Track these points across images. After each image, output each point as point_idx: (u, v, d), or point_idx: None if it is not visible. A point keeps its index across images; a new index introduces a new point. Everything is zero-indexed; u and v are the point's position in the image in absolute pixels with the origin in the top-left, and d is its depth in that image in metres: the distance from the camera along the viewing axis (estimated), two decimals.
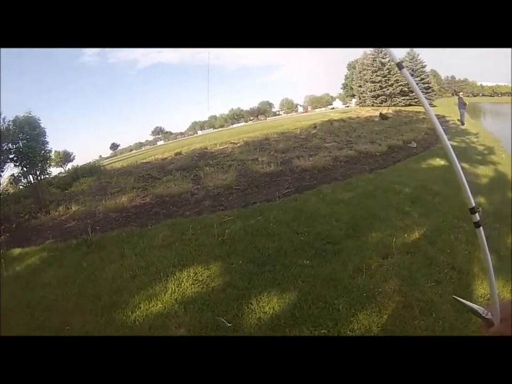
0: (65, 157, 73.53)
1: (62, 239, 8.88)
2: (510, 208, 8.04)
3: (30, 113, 13.61)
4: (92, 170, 21.63)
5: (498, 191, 9.66)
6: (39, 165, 13.40)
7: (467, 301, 1.78)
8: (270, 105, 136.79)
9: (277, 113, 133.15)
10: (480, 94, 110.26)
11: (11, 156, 12.81)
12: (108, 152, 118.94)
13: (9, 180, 14.58)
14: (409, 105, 56.69)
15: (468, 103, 28.97)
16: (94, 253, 7.45)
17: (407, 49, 67.47)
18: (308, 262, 5.87)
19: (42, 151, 13.62)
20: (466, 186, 1.69)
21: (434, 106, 54.61)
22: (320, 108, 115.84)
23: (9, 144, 12.80)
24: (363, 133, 21.78)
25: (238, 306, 4.93)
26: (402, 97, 60.55)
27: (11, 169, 13.47)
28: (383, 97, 64.25)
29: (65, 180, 19.39)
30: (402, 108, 47.43)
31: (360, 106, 68.57)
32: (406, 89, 60.47)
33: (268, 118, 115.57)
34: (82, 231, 9.05)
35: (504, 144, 17.74)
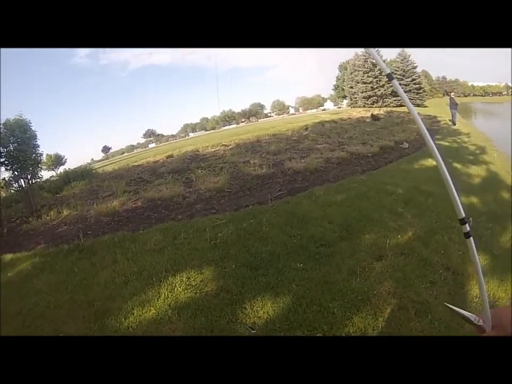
0: (57, 160, 73.53)
1: (53, 244, 8.79)
2: (503, 207, 8.06)
3: (21, 116, 13.45)
4: (83, 173, 21.49)
5: (490, 191, 9.71)
6: (30, 168, 13.25)
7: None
8: (262, 106, 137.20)
9: (269, 114, 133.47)
10: (471, 94, 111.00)
11: (2, 160, 12.62)
12: (100, 155, 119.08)
13: (0, 184, 14.45)
14: (401, 105, 56.68)
15: (459, 103, 29.11)
16: (86, 258, 7.39)
17: (398, 50, 67.89)
18: (301, 265, 5.85)
19: (34, 155, 13.46)
20: (456, 196, 1.69)
21: (426, 106, 54.93)
22: (311, 109, 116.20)
23: (0, 148, 12.65)
24: (355, 134, 21.84)
25: (232, 311, 4.89)
26: (394, 98, 60.74)
27: (2, 174, 13.35)
28: (374, 98, 64.52)
29: (56, 184, 19.26)
30: (393, 109, 47.59)
31: (351, 107, 68.79)
32: None
33: (259, 120, 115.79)
34: (74, 235, 8.97)
35: (495, 143, 17.85)
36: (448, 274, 5.43)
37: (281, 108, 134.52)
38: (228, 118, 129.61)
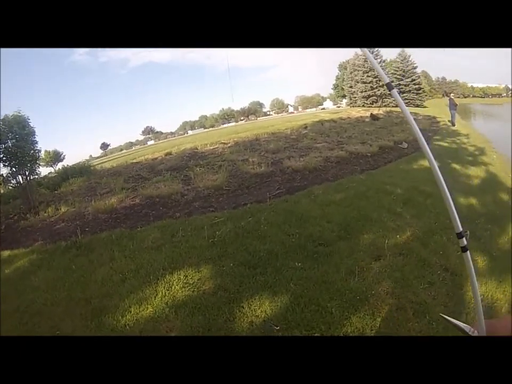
0: (56, 157, 73.47)
1: (51, 241, 8.77)
2: (502, 209, 8.05)
3: (19, 112, 13.41)
4: (81, 170, 21.45)
5: (490, 192, 9.70)
6: (28, 165, 13.22)
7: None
8: (261, 105, 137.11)
9: (268, 113, 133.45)
10: (471, 95, 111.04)
11: (0, 156, 12.65)
12: (98, 152, 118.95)
13: None
14: None
15: (458, 104, 29.12)
16: (83, 256, 7.37)
17: (398, 50, 67.93)
18: (299, 264, 5.83)
19: (32, 151, 13.45)
20: (454, 210, 1.70)
21: (425, 107, 54.95)
22: (310, 108, 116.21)
23: None
24: (354, 133, 21.83)
25: (230, 310, 4.88)
26: (393, 98, 60.73)
27: (0, 170, 13.29)
28: (374, 97, 64.61)
29: (54, 180, 19.23)
30: (393, 109, 47.47)
31: (351, 106, 68.86)
32: (397, 90, 60.96)
33: (258, 118, 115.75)
34: (72, 232, 8.95)
35: (495, 145, 17.85)
36: (447, 275, 5.42)
37: (280, 106, 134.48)
38: (227, 116, 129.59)
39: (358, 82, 67.53)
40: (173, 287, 5.57)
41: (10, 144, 12.71)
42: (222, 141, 25.52)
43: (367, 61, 64.08)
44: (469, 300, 4.86)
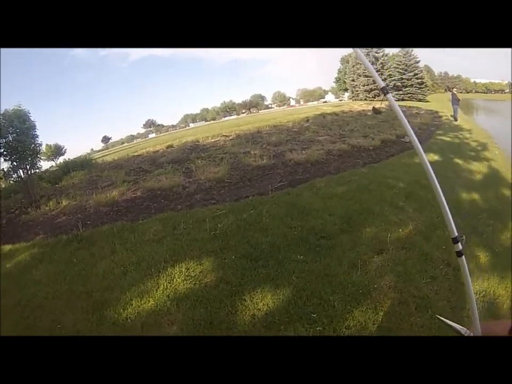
0: (57, 151, 73.35)
1: (52, 235, 8.78)
2: (504, 205, 8.03)
3: (19, 107, 13.39)
4: (82, 163, 21.45)
5: (492, 188, 9.68)
6: (29, 159, 13.23)
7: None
8: (262, 98, 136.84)
9: (269, 106, 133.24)
10: (473, 91, 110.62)
11: (0, 150, 12.62)
12: (100, 145, 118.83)
13: None
14: (402, 100, 56.92)
15: (461, 99, 29.03)
16: (85, 249, 7.36)
17: None
18: (301, 257, 5.83)
19: (32, 145, 13.44)
20: (449, 215, 1.70)
21: (428, 101, 54.83)
22: (312, 101, 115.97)
23: None
24: (356, 127, 21.75)
25: (231, 302, 4.88)
26: (396, 92, 60.62)
27: (1, 164, 13.34)
28: (376, 91, 64.29)
29: (55, 174, 19.23)
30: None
31: (353, 100, 68.71)
32: (399, 84, 60.71)
33: (260, 111, 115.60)
34: (73, 226, 8.95)
35: (497, 140, 17.80)
36: (449, 270, 5.40)
37: (282, 99, 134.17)
38: (228, 109, 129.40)
39: (360, 75, 67.33)
40: (174, 280, 5.57)
41: (11, 139, 12.72)
42: (224, 134, 25.44)
43: (369, 55, 64.06)
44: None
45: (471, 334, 1.69)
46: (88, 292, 5.68)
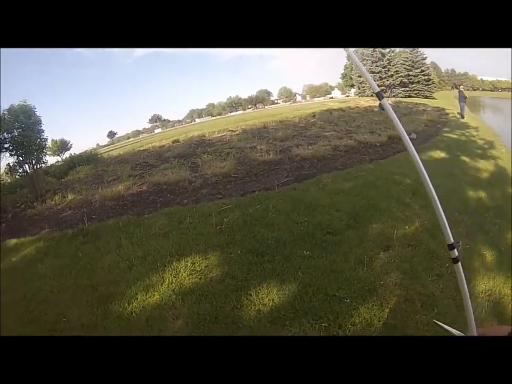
0: (63, 146, 73.52)
1: (58, 229, 8.81)
2: (510, 203, 7.98)
3: (25, 102, 13.48)
4: (88, 158, 21.50)
5: (498, 186, 9.61)
6: (35, 153, 13.33)
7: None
8: (268, 93, 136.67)
9: (275, 101, 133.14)
10: (480, 89, 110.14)
11: (6, 145, 12.74)
12: (105, 140, 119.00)
13: (5, 170, 14.48)
14: (409, 96, 56.74)
15: (468, 97, 28.91)
16: (90, 243, 7.38)
17: None
18: (308, 252, 5.81)
19: (38, 140, 13.53)
20: (445, 221, 1.72)
21: (434, 98, 54.65)
22: (318, 97, 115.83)
23: (4, 134, 12.69)
24: (362, 123, 21.68)
25: (237, 297, 4.88)
26: (402, 89, 60.48)
27: (6, 159, 13.44)
28: (382, 88, 64.08)
29: (61, 169, 19.30)
30: (402, 99, 47.36)
31: (359, 96, 68.51)
32: (405, 80, 60.52)
33: (266, 107, 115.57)
34: (78, 220, 8.98)
35: (503, 139, 17.72)
36: (455, 268, 5.37)
37: (288, 95, 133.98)
38: (235, 104, 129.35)
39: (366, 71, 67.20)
40: (180, 274, 5.58)
41: (16, 134, 12.80)
42: (230, 129, 25.43)
43: (375, 51, 63.87)
44: (477, 295, 4.86)
45: None
46: (94, 285, 5.70)
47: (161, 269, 5.77)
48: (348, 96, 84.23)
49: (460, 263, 1.77)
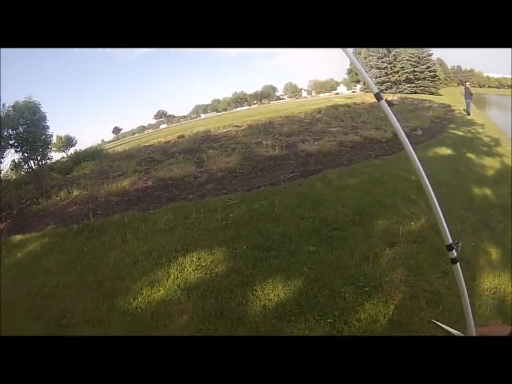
0: (68, 142, 73.68)
1: (63, 225, 8.84)
2: None
3: (30, 99, 13.58)
4: (93, 154, 21.61)
5: (504, 184, 9.56)
6: (40, 150, 13.42)
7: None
8: (274, 89, 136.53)
9: (281, 97, 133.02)
10: (487, 85, 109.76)
11: (11, 142, 12.82)
12: (111, 136, 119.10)
13: (10, 166, 14.57)
14: (415, 92, 56.56)
15: (474, 93, 28.80)
16: (96, 238, 7.42)
17: None
18: (313, 248, 5.82)
19: (43, 136, 13.63)
20: (443, 222, 1.72)
21: (440, 95, 54.49)
22: (324, 93, 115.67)
23: (10, 130, 12.77)
24: (368, 118, 21.58)
25: (242, 293, 4.89)
26: (408, 85, 60.32)
27: (11, 155, 13.53)
28: (388, 83, 63.98)
29: (66, 165, 19.39)
30: (407, 95, 47.22)
31: (365, 92, 68.38)
32: (411, 76, 60.35)
33: (271, 102, 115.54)
34: (84, 215, 9.01)
35: (509, 136, 17.64)
36: (460, 265, 5.34)
37: (293, 90, 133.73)
38: (240, 99, 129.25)
39: (372, 67, 66.89)
40: (185, 270, 5.59)
41: (21, 130, 12.89)
42: (235, 124, 25.39)
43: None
44: (482, 292, 4.84)
45: None
46: (99, 281, 5.73)
47: (167, 264, 5.78)
48: (354, 92, 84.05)
49: (458, 263, 1.76)
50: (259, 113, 36.40)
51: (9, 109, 13.00)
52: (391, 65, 63.44)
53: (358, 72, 1.92)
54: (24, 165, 13.61)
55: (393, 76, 63.08)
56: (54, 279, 6.04)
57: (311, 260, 5.50)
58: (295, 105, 44.86)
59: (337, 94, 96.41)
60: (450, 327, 4.00)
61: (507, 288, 4.95)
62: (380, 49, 63.88)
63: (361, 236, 6.12)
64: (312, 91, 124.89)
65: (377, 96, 1.86)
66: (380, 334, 4.02)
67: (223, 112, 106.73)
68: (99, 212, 9.22)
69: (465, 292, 1.80)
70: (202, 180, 10.61)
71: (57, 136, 62.62)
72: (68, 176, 16.40)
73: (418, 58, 62.83)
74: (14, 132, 12.78)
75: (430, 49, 63.50)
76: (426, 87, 60.58)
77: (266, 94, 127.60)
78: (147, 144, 26.07)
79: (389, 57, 63.37)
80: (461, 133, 17.98)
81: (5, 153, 13.17)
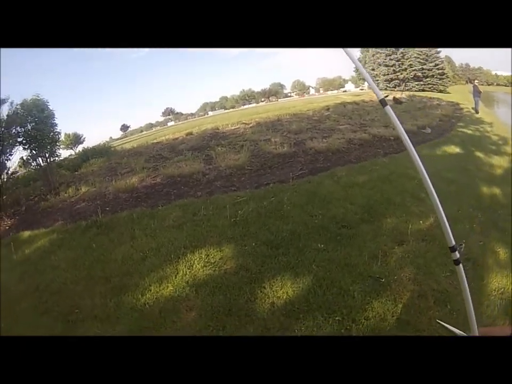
0: (76, 139, 73.97)
1: (71, 221, 8.89)
2: None
3: (38, 96, 13.70)
4: (101, 151, 21.70)
5: None
6: (48, 147, 13.52)
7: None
8: (282, 86, 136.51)
9: (289, 95, 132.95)
10: (495, 83, 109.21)
11: (20, 139, 12.93)
12: (119, 134, 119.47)
13: (19, 163, 14.68)
14: (423, 90, 56.39)
15: (482, 92, 28.67)
16: (104, 235, 7.44)
17: None
18: (322, 246, 5.81)
19: (51, 133, 13.70)
20: (446, 223, 1.71)
21: (448, 93, 54.29)
22: (332, 90, 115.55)
23: (18, 128, 12.88)
24: (377, 116, 21.50)
25: (251, 290, 4.89)
26: (416, 83, 60.15)
27: (20, 153, 13.65)
28: (396, 81, 63.82)
29: (75, 162, 19.52)
30: (416, 93, 47.08)
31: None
32: (419, 74, 60.15)
33: (279, 100, 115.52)
34: (92, 212, 9.03)
35: None
36: (468, 265, 5.31)
37: (301, 88, 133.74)
38: (248, 97, 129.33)
39: (380, 65, 66.76)
40: (194, 266, 5.60)
41: (29, 128, 12.98)
42: (244, 121, 25.35)
43: None
44: (490, 292, 4.82)
45: None
46: (107, 277, 5.75)
47: (175, 261, 5.79)
48: (362, 89, 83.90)
49: (461, 265, 1.77)
50: (267, 111, 36.35)
51: (17, 106, 13.12)
52: (399, 62, 63.35)
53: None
54: (33, 162, 13.70)
55: (401, 74, 62.97)
56: (62, 275, 6.07)
57: (319, 257, 5.49)
58: (303, 103, 44.85)
59: (345, 91, 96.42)
60: (458, 326, 3.99)
61: None
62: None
63: (369, 234, 6.11)
64: (320, 88, 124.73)
65: (382, 102, 1.87)
66: (387, 332, 4.01)
67: (231, 110, 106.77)
68: (107, 209, 9.25)
69: (468, 292, 1.80)
70: (210, 177, 10.60)
71: (65, 134, 62.88)
72: (76, 173, 16.50)
73: (426, 55, 62.61)
74: (22, 129, 12.88)
75: None
76: (434, 84, 60.39)
77: (274, 92, 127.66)
78: (155, 141, 26.10)
79: (397, 54, 63.25)
80: (469, 131, 17.92)
81: (13, 151, 13.22)
